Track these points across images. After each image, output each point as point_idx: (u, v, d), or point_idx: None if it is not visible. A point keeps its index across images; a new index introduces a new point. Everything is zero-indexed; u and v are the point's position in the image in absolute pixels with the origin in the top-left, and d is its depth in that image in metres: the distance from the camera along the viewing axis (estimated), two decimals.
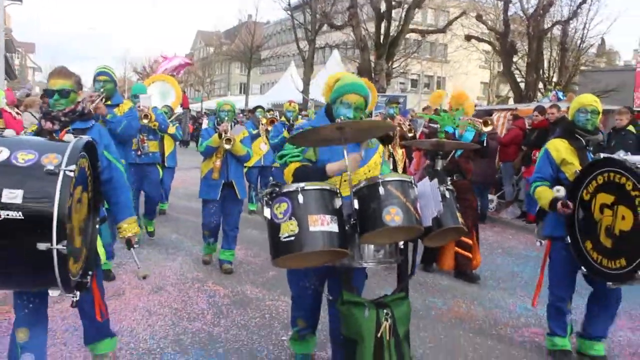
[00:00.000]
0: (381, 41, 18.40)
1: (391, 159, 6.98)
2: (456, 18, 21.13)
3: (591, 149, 3.84)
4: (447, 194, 3.10)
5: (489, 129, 5.91)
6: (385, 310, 2.89)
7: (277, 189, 2.77)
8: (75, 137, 2.62)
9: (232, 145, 5.54)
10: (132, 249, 3.19)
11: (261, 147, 8.86)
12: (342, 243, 2.71)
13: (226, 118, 5.71)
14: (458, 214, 3.14)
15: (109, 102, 5.02)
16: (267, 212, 2.76)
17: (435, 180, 3.00)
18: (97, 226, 2.99)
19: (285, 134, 7.51)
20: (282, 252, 2.69)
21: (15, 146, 2.40)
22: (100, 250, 3.12)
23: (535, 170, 4.04)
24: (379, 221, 2.73)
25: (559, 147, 3.86)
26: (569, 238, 3.69)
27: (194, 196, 8.89)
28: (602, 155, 3.56)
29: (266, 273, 5.79)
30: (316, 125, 3.14)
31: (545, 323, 4.16)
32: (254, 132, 8.82)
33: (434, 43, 41.01)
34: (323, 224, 2.66)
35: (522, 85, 20.52)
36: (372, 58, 18.90)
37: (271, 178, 8.31)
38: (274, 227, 2.72)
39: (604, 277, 3.47)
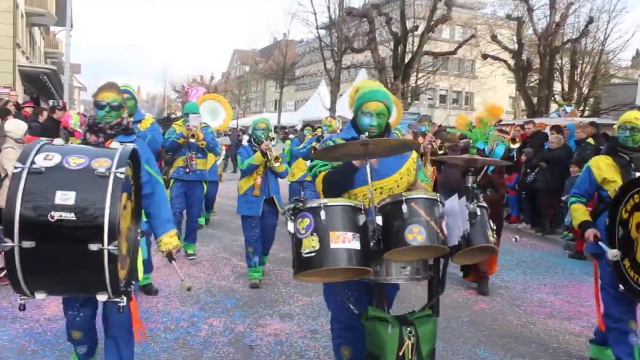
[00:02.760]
0: (397, 63, 20.01)
1: None
2: (465, 41, 22.49)
3: (633, 166, 3.81)
4: (479, 211, 2.97)
5: (517, 145, 6.22)
6: (408, 328, 2.83)
7: (301, 204, 2.77)
8: (122, 144, 2.71)
9: (280, 163, 5.75)
10: (173, 261, 3.21)
11: (306, 162, 8.88)
12: (364, 261, 2.68)
13: (262, 136, 5.83)
14: (489, 232, 3.01)
15: (131, 119, 5.39)
16: (290, 227, 2.78)
17: (464, 198, 2.90)
18: (139, 237, 3.01)
19: (315, 144, 7.70)
20: (303, 268, 2.71)
21: (65, 152, 2.47)
22: (140, 266, 3.11)
23: (575, 184, 4.11)
24: (401, 239, 2.69)
25: (600, 165, 3.88)
26: None
27: (224, 204, 10.88)
28: (637, 174, 3.60)
29: (277, 255, 7.48)
30: (343, 137, 3.18)
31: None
32: (300, 147, 9.00)
33: (462, 59, 42.05)
34: (344, 241, 2.65)
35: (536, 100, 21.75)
36: (391, 78, 20.50)
37: (302, 193, 8.77)
38: (296, 242, 2.74)
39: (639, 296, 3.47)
